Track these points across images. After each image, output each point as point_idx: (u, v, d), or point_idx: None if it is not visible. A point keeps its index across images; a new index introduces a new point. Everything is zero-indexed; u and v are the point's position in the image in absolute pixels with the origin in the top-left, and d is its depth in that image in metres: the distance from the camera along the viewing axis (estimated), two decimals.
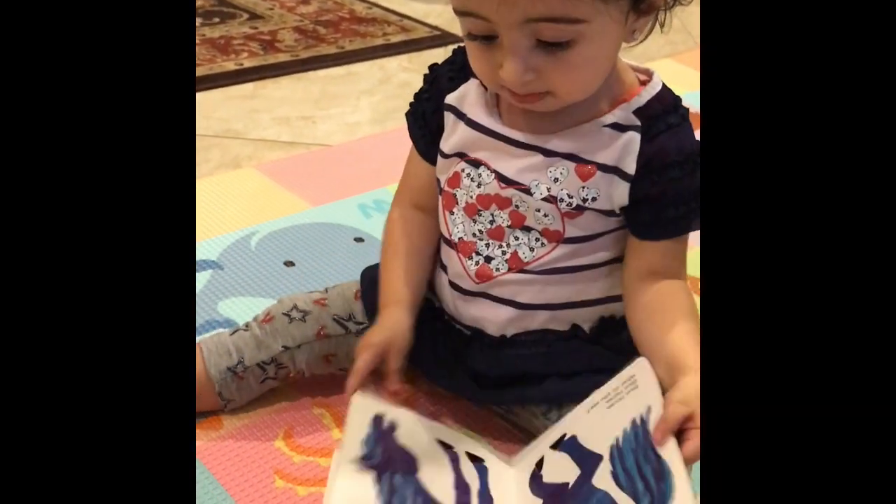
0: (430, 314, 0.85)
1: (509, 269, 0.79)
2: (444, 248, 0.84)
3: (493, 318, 0.81)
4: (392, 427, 0.78)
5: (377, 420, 0.78)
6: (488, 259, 0.79)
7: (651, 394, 0.69)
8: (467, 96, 0.80)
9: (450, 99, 0.80)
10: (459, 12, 0.69)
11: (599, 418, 0.72)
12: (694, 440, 0.66)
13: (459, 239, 0.81)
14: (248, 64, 1.79)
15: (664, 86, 0.77)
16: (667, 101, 0.76)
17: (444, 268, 0.84)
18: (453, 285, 0.82)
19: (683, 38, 2.08)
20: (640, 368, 0.72)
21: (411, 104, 0.85)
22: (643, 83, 0.77)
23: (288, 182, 1.33)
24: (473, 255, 0.80)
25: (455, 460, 0.79)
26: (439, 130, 0.82)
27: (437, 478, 0.76)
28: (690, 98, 1.74)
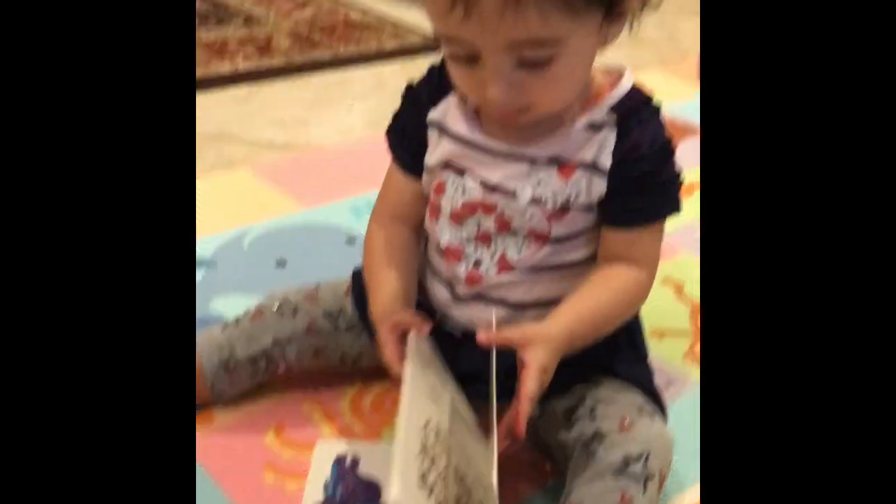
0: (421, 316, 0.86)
1: (499, 271, 0.81)
2: (434, 255, 0.85)
3: (486, 319, 0.82)
4: (355, 462, 0.83)
5: (339, 461, 0.83)
6: (477, 263, 0.81)
7: None
8: (449, 111, 0.81)
9: (433, 115, 0.82)
10: (443, 37, 0.70)
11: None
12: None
13: (447, 245, 0.82)
14: (243, 67, 1.80)
15: (634, 84, 0.79)
16: (637, 98, 0.79)
17: (436, 274, 0.85)
18: (447, 290, 0.84)
19: (672, 48, 2.10)
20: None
21: (390, 124, 0.86)
22: (614, 82, 0.79)
23: (281, 183, 1.35)
24: (462, 259, 0.82)
25: None
26: (423, 146, 0.83)
27: None
28: (681, 109, 1.74)
